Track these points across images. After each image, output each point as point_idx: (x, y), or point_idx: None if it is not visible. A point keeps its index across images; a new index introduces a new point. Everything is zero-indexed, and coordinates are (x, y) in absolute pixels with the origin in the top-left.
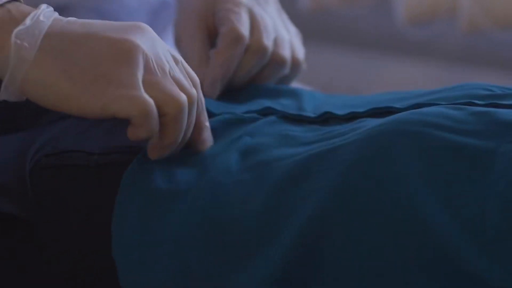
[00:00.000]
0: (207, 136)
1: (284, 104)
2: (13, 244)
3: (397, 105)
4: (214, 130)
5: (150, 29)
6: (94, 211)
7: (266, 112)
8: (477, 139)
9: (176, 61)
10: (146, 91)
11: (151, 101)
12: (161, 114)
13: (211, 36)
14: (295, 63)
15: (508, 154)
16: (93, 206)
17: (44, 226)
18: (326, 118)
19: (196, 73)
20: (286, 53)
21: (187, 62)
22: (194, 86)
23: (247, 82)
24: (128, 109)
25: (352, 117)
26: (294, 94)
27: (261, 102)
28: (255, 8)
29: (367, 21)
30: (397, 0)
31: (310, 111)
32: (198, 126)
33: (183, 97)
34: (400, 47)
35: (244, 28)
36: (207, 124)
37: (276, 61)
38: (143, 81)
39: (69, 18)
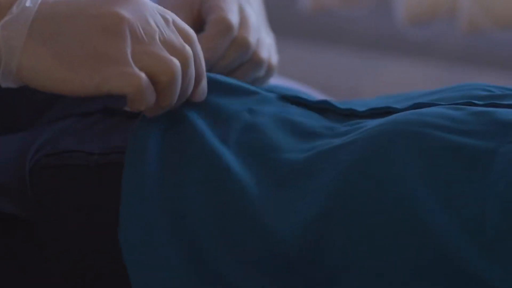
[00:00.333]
0: (202, 87)
1: (283, 89)
2: (13, 244)
3: (397, 106)
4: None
5: None
6: (94, 211)
7: (267, 90)
8: (477, 140)
9: (166, 21)
10: (136, 62)
11: (143, 76)
12: (155, 82)
13: (195, 24)
14: (270, 68)
15: (508, 154)
16: (93, 206)
17: (44, 226)
18: (324, 108)
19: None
20: (265, 55)
21: None
22: (189, 41)
23: (224, 75)
24: (122, 87)
25: (351, 113)
26: (291, 90)
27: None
28: (245, 5)
29: (367, 21)
30: (397, 0)
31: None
32: (196, 80)
33: (175, 62)
34: (400, 47)
35: (235, 20)
36: (205, 76)
37: (255, 61)
38: (132, 52)
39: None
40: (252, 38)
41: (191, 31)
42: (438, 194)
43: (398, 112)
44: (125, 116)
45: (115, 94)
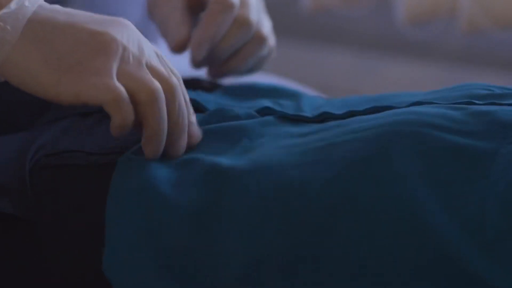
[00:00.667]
0: (194, 130)
1: (282, 104)
2: (13, 244)
3: (397, 104)
4: (210, 125)
5: (132, 26)
6: (93, 211)
7: (264, 112)
8: (477, 140)
9: (157, 53)
10: (118, 79)
11: (121, 87)
12: (136, 103)
13: (192, 5)
14: (270, 49)
15: (508, 155)
16: (93, 206)
17: (44, 226)
18: (324, 119)
19: (177, 33)
20: (267, 33)
21: (165, 24)
22: (176, 78)
23: (228, 56)
24: (99, 96)
25: (350, 115)
26: (293, 95)
27: (260, 102)
28: None
29: (367, 21)
30: (397, 1)
31: (308, 112)
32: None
33: (156, 84)
34: (400, 47)
35: None
36: (193, 119)
37: (258, 39)
38: (117, 70)
39: (54, 6)
40: (253, 16)
41: (178, 73)
42: (438, 194)
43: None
44: None
45: (93, 104)
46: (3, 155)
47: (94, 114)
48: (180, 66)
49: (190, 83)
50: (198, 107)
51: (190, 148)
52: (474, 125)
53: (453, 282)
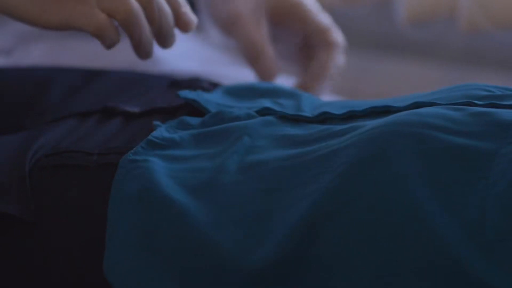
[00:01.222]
0: (187, 19)
1: (282, 104)
2: (13, 244)
3: (396, 105)
4: (209, 128)
5: None
6: (94, 212)
7: (264, 112)
8: (477, 141)
9: None
10: (98, 2)
11: (102, 16)
12: (116, 21)
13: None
14: None
15: (508, 155)
16: (93, 206)
17: (44, 226)
18: (324, 119)
19: (271, 71)
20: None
21: (255, 52)
22: None
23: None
24: (83, 26)
25: (350, 116)
26: (293, 95)
27: (260, 102)
28: None
29: (367, 21)
30: (397, 0)
31: (308, 112)
32: (175, 12)
33: (129, 2)
34: (400, 47)
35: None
36: (184, 9)
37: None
38: None
39: None
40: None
41: None
42: (438, 195)
43: (398, 111)
44: (125, 116)
45: (78, 31)
46: (3, 155)
47: (94, 115)
48: (182, 66)
49: (190, 83)
50: (198, 108)
51: (187, 33)
52: (474, 126)
53: (453, 283)
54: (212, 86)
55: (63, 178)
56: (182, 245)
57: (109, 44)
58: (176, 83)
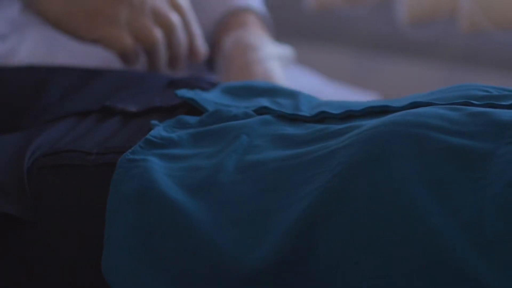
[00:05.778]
0: (198, 51)
1: (280, 103)
2: (13, 244)
3: (394, 105)
4: (208, 127)
5: None
6: (92, 211)
7: (262, 111)
8: (475, 141)
9: None
10: (128, 26)
11: (130, 41)
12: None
13: None
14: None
15: (505, 155)
16: (91, 206)
17: (43, 226)
18: (322, 118)
19: None
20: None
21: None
22: (179, 10)
23: None
24: (112, 47)
25: (348, 116)
26: (291, 94)
27: (258, 101)
28: None
29: (368, 22)
30: (398, 1)
31: (306, 111)
32: (190, 42)
33: (155, 34)
34: (401, 47)
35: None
36: (197, 41)
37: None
38: (127, 17)
39: None
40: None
41: (182, 5)
42: (436, 195)
43: (395, 111)
44: (123, 116)
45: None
46: (2, 155)
47: (92, 114)
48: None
49: (188, 83)
50: (196, 107)
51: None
52: (472, 126)
53: (451, 283)
54: (210, 85)
55: (62, 177)
56: (180, 245)
57: (128, 65)
58: (174, 82)
